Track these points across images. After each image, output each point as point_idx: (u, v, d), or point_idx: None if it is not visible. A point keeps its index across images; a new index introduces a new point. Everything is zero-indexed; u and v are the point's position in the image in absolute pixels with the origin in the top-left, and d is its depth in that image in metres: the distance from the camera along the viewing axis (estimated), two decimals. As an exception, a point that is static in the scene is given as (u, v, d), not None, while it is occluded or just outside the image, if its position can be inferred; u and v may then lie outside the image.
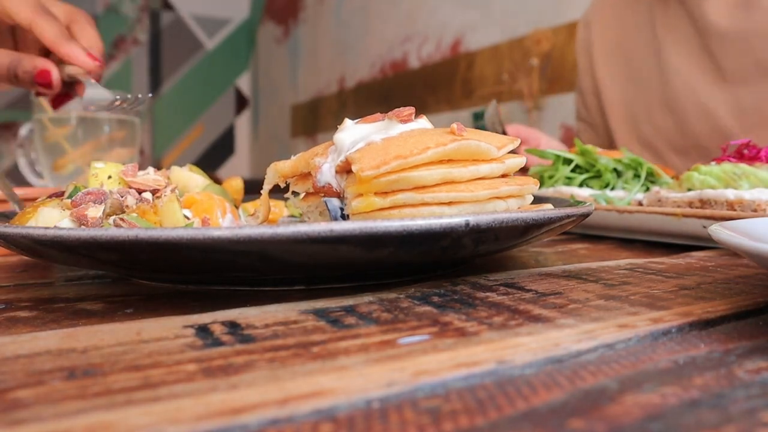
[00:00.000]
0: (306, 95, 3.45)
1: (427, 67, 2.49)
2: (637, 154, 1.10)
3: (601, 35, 1.15)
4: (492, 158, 0.34)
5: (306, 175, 0.37)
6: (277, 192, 0.42)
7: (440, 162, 0.32)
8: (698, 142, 0.99)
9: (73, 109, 0.83)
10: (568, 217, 0.32)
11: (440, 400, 0.17)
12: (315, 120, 3.35)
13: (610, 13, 1.13)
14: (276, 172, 0.38)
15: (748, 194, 0.51)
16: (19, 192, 0.51)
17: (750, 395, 0.17)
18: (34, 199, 0.50)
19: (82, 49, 0.57)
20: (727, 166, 0.55)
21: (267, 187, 0.39)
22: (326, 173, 0.34)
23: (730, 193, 0.51)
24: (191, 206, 0.38)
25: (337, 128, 0.36)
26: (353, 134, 0.34)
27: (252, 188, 0.57)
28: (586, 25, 1.18)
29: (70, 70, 0.57)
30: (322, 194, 0.34)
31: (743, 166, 0.54)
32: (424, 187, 0.31)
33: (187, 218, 0.37)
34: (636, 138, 1.09)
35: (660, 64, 1.03)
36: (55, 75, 0.56)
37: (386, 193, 0.31)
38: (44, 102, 0.81)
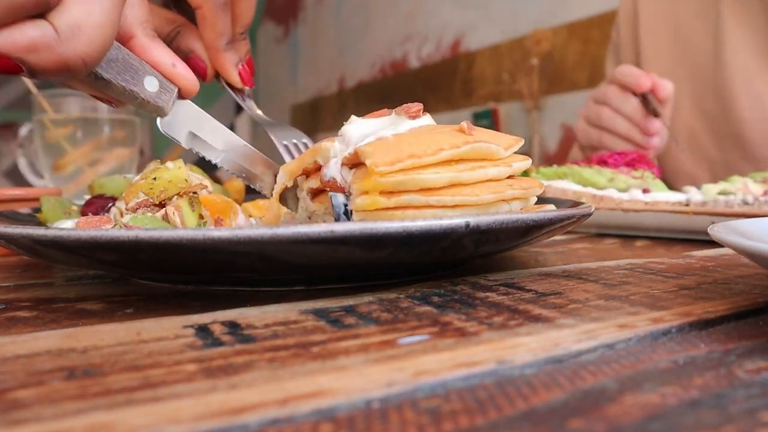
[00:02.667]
0: (306, 95, 3.45)
1: (427, 67, 2.49)
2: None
3: (649, 4, 1.08)
4: (499, 158, 0.34)
5: (316, 170, 0.37)
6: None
7: (449, 161, 0.32)
8: (740, 131, 0.95)
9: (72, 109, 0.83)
10: (569, 218, 0.32)
11: (440, 400, 0.17)
12: (315, 120, 3.36)
13: None
14: (286, 172, 0.38)
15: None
16: (19, 192, 0.51)
17: (750, 395, 0.17)
18: (34, 200, 0.50)
19: (236, 63, 0.46)
20: (561, 168, 0.65)
21: (278, 189, 0.39)
22: (332, 167, 0.34)
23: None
24: (205, 207, 0.38)
25: (337, 128, 0.36)
26: (362, 128, 0.34)
27: (252, 188, 0.57)
28: None
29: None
30: (329, 189, 0.34)
31: (574, 167, 0.65)
32: (429, 189, 0.31)
33: (201, 217, 0.37)
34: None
35: (717, 42, 0.97)
36: (210, 71, 0.46)
37: (392, 192, 0.31)
38: (44, 102, 0.81)
